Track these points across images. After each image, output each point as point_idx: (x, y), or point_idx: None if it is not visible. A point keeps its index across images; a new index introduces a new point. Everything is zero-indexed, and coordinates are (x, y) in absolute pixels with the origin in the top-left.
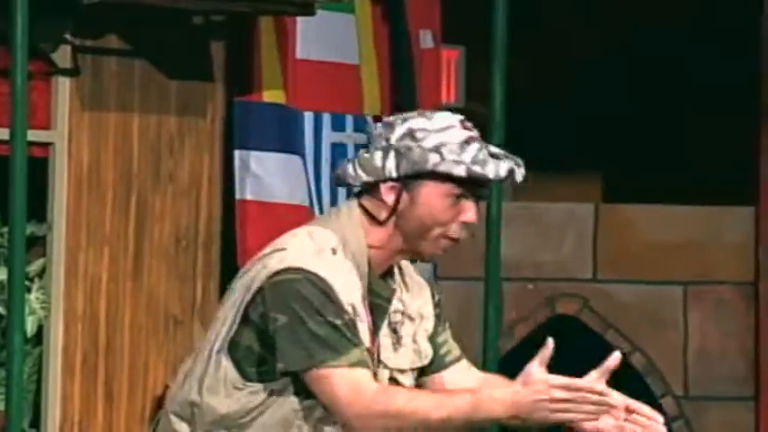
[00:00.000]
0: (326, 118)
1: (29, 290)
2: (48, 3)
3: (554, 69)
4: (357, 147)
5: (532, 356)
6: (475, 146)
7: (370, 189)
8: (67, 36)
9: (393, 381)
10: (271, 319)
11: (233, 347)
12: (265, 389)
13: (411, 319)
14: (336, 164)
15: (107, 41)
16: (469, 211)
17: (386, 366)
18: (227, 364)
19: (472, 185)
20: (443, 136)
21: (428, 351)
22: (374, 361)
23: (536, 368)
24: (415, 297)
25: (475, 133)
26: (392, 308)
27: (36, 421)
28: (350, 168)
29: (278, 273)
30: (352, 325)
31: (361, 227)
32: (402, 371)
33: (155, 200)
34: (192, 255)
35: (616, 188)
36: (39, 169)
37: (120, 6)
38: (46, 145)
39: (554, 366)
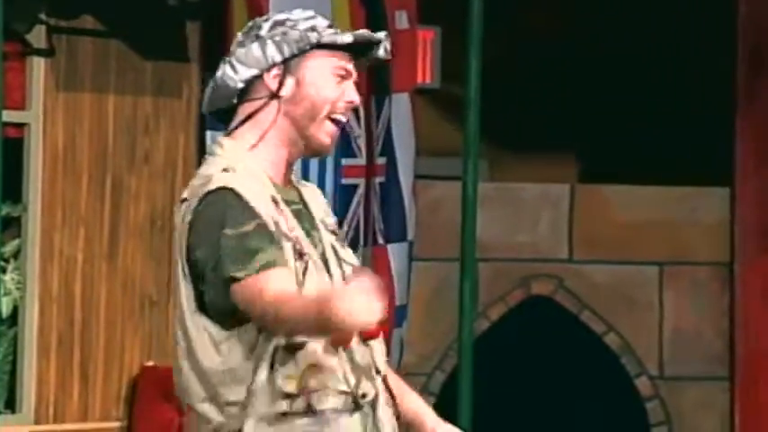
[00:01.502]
0: None
1: (4, 270)
2: None
3: (530, 49)
4: None
5: (507, 337)
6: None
7: (247, 92)
8: (42, 16)
9: None
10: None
11: (200, 306)
12: (250, 329)
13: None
14: None
15: (82, 22)
16: (351, 90)
17: (347, 262)
18: (204, 322)
19: (352, 58)
20: (312, 21)
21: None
22: (327, 263)
23: None
24: (318, 205)
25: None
26: (315, 214)
27: (11, 402)
28: (228, 70)
29: (199, 202)
30: (262, 228)
31: (245, 147)
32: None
33: (130, 180)
34: (168, 235)
35: (592, 168)
36: (13, 150)
37: None
38: (21, 125)
39: (529, 347)
